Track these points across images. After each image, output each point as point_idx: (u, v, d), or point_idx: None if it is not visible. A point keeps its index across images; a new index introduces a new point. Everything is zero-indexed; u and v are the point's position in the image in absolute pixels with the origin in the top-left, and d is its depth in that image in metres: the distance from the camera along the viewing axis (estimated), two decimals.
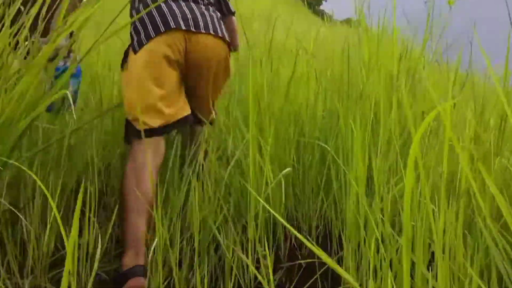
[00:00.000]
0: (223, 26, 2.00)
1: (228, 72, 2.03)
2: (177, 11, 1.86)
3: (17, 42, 1.96)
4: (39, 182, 0.99)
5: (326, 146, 1.94)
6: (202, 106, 2.02)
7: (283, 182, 1.74)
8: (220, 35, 1.94)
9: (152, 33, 1.82)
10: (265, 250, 1.68)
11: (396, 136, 1.83)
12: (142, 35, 1.83)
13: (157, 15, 1.84)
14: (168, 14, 1.84)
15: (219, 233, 1.68)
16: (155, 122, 1.80)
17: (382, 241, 1.38)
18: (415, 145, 1.12)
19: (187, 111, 1.90)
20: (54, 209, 0.92)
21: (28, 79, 1.51)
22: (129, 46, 1.88)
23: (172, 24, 1.83)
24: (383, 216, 1.48)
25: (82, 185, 1.06)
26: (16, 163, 1.32)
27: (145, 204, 1.62)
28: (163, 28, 1.82)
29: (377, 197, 1.59)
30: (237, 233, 1.68)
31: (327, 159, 1.92)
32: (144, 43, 1.81)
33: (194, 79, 1.93)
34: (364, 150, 1.81)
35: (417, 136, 1.10)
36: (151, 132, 1.79)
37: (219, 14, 2.03)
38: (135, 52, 1.82)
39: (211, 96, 2.05)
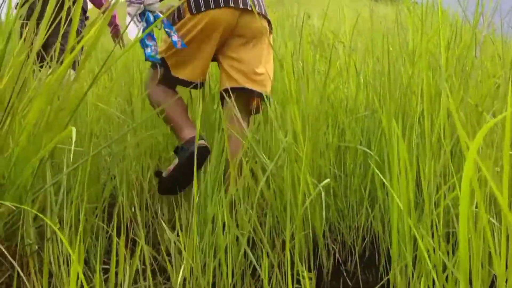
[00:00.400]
0: (264, 3, 2.21)
1: (270, 48, 2.19)
2: None
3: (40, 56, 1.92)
4: (52, 226, 0.90)
5: (368, 150, 1.77)
6: (249, 73, 2.11)
7: (323, 194, 1.60)
8: (263, 13, 2.15)
9: (212, 4, 2.03)
10: (305, 267, 1.56)
11: (446, 135, 1.64)
12: (202, 1, 2.04)
13: None
14: None
15: (254, 253, 1.57)
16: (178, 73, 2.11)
17: (434, 266, 1.22)
18: (469, 163, 0.96)
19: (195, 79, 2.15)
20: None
21: (44, 96, 1.43)
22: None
23: (231, 3, 2.05)
24: (434, 234, 1.31)
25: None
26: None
27: (178, 100, 2.07)
28: (222, 4, 2.05)
29: (427, 210, 1.42)
30: (274, 252, 1.56)
31: (371, 165, 1.76)
32: (202, 10, 2.04)
33: (238, 47, 2.13)
34: (410, 155, 1.64)
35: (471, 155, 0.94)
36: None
37: None
38: (191, 13, 2.06)
39: (259, 66, 2.13)
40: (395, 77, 1.96)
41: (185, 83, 2.13)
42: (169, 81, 2.11)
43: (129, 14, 2.01)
